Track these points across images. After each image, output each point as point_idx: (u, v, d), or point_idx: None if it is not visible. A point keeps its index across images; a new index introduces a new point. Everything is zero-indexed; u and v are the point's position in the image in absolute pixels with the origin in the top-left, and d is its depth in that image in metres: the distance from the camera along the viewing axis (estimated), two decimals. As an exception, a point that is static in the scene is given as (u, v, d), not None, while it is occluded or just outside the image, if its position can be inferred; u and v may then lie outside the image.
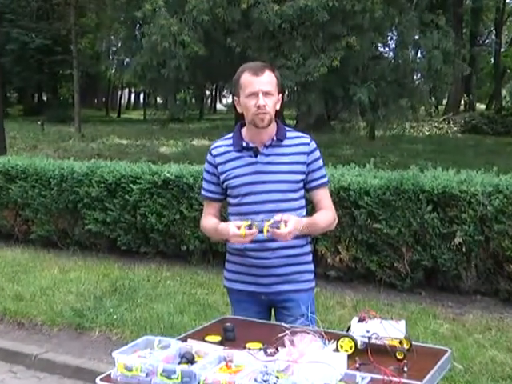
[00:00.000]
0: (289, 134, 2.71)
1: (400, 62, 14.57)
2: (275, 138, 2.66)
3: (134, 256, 6.93)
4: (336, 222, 2.79)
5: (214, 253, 6.51)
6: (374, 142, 19.48)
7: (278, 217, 2.46)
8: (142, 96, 50.18)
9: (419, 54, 16.46)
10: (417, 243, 5.52)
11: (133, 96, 60.39)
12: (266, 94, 2.56)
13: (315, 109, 14.16)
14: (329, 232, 5.46)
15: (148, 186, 6.62)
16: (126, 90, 56.37)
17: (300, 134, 2.75)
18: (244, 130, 2.71)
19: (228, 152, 2.69)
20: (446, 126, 25.54)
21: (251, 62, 2.82)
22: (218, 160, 2.70)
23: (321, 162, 2.73)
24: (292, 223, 2.45)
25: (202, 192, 2.84)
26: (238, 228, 2.46)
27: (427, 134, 24.24)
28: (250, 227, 2.45)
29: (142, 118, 39.21)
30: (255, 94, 2.55)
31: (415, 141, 20.61)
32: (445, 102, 35.22)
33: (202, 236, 6.31)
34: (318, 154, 2.72)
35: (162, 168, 6.80)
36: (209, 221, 2.78)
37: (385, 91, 13.94)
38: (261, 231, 2.45)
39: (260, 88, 2.55)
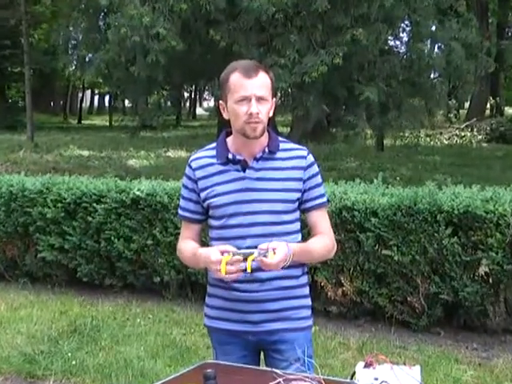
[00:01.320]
0: (283, 146, 2.72)
1: (413, 58, 14.65)
2: (267, 150, 2.68)
3: (97, 289, 6.91)
4: (335, 249, 2.80)
5: (192, 285, 6.51)
6: (383, 153, 19.58)
7: (263, 245, 2.46)
8: (107, 99, 50.22)
9: (436, 48, 16.60)
10: (434, 273, 5.54)
11: (96, 98, 60.54)
12: (260, 99, 2.57)
13: (313, 114, 14.17)
14: (329, 260, 5.48)
15: (114, 205, 6.62)
16: (88, 92, 56.44)
17: (296, 145, 2.77)
18: (230, 140, 2.72)
19: (211, 165, 2.70)
20: (468, 134, 25.70)
21: (239, 58, 2.84)
22: (199, 174, 2.71)
23: (319, 179, 2.76)
24: (282, 251, 2.46)
25: (180, 212, 2.84)
26: (222, 253, 2.46)
27: (446, 143, 24.39)
28: (232, 263, 2.44)
29: (107, 124, 39.22)
30: (247, 100, 2.56)
31: (432, 151, 20.71)
32: (467, 105, 35.46)
33: (178, 265, 6.31)
34: (316, 169, 2.74)
35: (131, 184, 6.81)
36: (187, 245, 2.79)
37: (395, 92, 14.00)
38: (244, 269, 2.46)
39: (253, 92, 2.55)
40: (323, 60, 12.45)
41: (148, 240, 6.52)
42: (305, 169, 2.69)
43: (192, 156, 2.79)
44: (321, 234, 2.73)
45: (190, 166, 2.75)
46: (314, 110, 13.74)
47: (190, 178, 2.76)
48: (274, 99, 2.71)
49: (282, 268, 2.51)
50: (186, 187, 2.79)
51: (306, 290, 2.80)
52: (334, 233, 2.82)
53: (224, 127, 2.79)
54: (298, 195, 2.68)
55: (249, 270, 2.44)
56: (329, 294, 5.89)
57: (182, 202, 2.83)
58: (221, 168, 2.69)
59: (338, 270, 5.84)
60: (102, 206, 6.66)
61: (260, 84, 2.58)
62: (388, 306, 5.74)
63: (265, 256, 2.44)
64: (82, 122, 44.01)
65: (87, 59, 18.93)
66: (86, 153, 20.91)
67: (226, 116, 2.67)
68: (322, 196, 2.76)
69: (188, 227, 2.83)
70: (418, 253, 5.51)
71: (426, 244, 5.48)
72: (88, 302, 6.57)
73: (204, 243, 2.80)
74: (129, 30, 12.90)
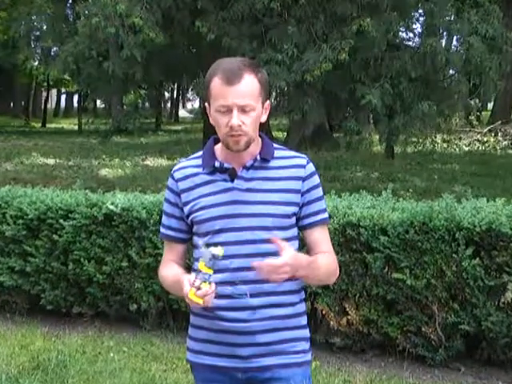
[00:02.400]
0: (278, 153, 2.74)
1: (427, 53, 14.70)
2: (259, 158, 2.69)
3: (63, 319, 6.90)
4: (337, 274, 2.81)
5: (174, 314, 6.50)
6: (394, 162, 19.59)
7: (256, 263, 2.47)
8: (75, 99, 50.21)
9: (453, 42, 16.68)
10: (453, 300, 5.55)
11: (63, 98, 60.52)
12: (244, 109, 2.57)
13: (313, 117, 14.23)
14: (332, 285, 5.48)
15: (84, 222, 6.61)
16: (54, 91, 56.42)
17: (293, 153, 2.79)
18: (218, 147, 2.74)
19: (195, 175, 2.72)
20: (492, 140, 25.76)
21: (229, 53, 2.85)
22: (182, 185, 2.73)
23: (320, 192, 2.77)
24: (290, 253, 2.45)
25: (162, 230, 2.85)
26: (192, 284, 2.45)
27: (466, 149, 24.44)
28: (198, 287, 2.43)
29: (76, 128, 39.19)
30: (228, 109, 2.56)
31: (450, 159, 20.76)
32: (490, 106, 35.59)
33: (158, 290, 6.30)
34: (316, 180, 2.76)
35: (104, 198, 6.81)
36: (169, 270, 2.78)
37: (406, 92, 14.03)
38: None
39: (234, 101, 2.55)
40: (327, 56, 12.43)
41: (123, 262, 6.51)
42: (303, 179, 2.70)
43: (175, 166, 2.81)
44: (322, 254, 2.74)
45: (173, 177, 2.76)
46: (313, 113, 13.74)
47: (172, 191, 2.77)
48: (268, 102, 2.71)
49: (285, 280, 2.50)
50: (168, 201, 2.80)
51: (304, 320, 2.80)
52: (337, 253, 2.84)
53: (211, 132, 2.81)
54: (294, 209, 2.69)
55: (201, 269, 2.43)
56: (331, 323, 5.89)
57: (164, 219, 2.84)
58: (207, 178, 2.70)
59: (341, 295, 5.85)
60: (70, 222, 6.64)
61: (243, 91, 2.56)
62: (400, 337, 5.74)
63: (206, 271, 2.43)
64: (47, 125, 43.98)
65: (52, 52, 18.97)
66: (51, 161, 20.86)
67: (211, 121, 2.68)
68: (322, 211, 2.77)
69: (171, 248, 2.83)
70: (434, 276, 5.52)
71: (444, 266, 5.49)
72: (53, 334, 6.54)
73: (190, 267, 2.79)
74: (102, 20, 12.91)
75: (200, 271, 2.44)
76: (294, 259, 2.46)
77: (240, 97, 2.55)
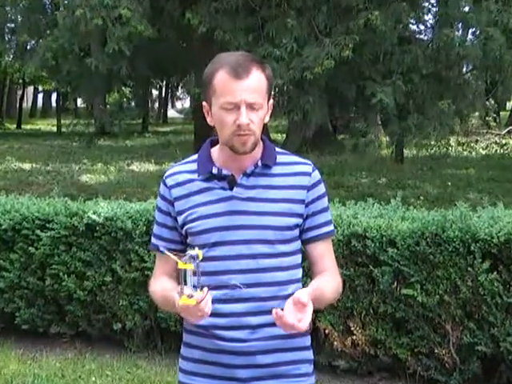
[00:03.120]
0: (281, 159, 2.74)
1: (440, 47, 14.68)
2: (260, 164, 2.69)
3: (40, 339, 6.88)
4: (341, 291, 2.82)
5: (163, 333, 6.50)
6: (403, 166, 19.61)
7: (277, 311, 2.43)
8: (54, 97, 50.21)
9: (469, 35, 16.67)
10: (468, 318, 5.56)
11: (40, 97, 60.46)
12: (252, 106, 2.57)
13: (315, 117, 14.20)
14: (336, 302, 5.48)
15: (64, 233, 6.61)
16: (31, 89, 56.39)
17: (298, 158, 2.79)
18: (216, 150, 2.74)
19: (190, 181, 2.72)
20: (511, 142, 25.83)
21: (222, 48, 2.86)
22: (176, 193, 2.73)
23: (326, 202, 2.78)
24: (306, 295, 2.44)
25: (153, 241, 2.85)
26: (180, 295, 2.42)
27: (483, 153, 24.45)
28: (191, 295, 2.39)
29: (54, 130, 39.18)
30: (235, 107, 2.55)
31: (464, 164, 20.78)
32: (509, 106, 35.67)
33: (144, 308, 6.30)
34: (322, 189, 2.76)
35: (86, 206, 6.81)
36: (159, 284, 2.77)
37: (418, 89, 14.01)
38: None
39: (243, 98, 2.54)
40: (329, 52, 12.40)
41: (106, 276, 6.50)
42: (309, 188, 2.71)
43: (168, 171, 2.80)
44: (326, 270, 2.74)
45: (165, 184, 2.76)
46: (314, 113, 13.70)
47: (164, 199, 2.77)
48: (272, 101, 2.71)
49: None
50: (159, 210, 2.80)
51: (308, 341, 2.80)
52: (341, 267, 2.86)
53: (203, 134, 2.81)
54: (297, 221, 2.69)
55: (180, 267, 2.40)
56: (335, 344, 5.89)
57: (155, 229, 2.84)
58: (203, 185, 2.70)
59: (346, 313, 5.85)
60: (48, 233, 6.64)
61: (253, 87, 2.56)
62: (410, 359, 5.74)
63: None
64: (23, 126, 43.88)
65: (29, 47, 18.96)
66: (27, 166, 20.85)
67: (210, 122, 2.68)
68: (328, 223, 2.78)
69: (163, 261, 2.79)
70: (448, 292, 5.53)
71: (458, 281, 5.49)
72: (29, 356, 6.52)
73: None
74: (88, 12, 12.88)
75: (183, 272, 2.41)
76: (304, 313, 2.43)
77: (249, 93, 2.55)
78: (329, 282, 2.70)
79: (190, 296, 2.39)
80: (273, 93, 2.77)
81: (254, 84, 2.57)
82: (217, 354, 2.69)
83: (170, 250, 2.69)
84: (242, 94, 2.54)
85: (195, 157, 2.77)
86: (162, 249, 2.60)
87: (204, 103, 2.69)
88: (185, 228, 2.71)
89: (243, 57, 2.64)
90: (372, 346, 5.85)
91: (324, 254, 2.76)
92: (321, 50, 12.47)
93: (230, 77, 2.55)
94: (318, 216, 2.73)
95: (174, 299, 2.50)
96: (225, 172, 2.67)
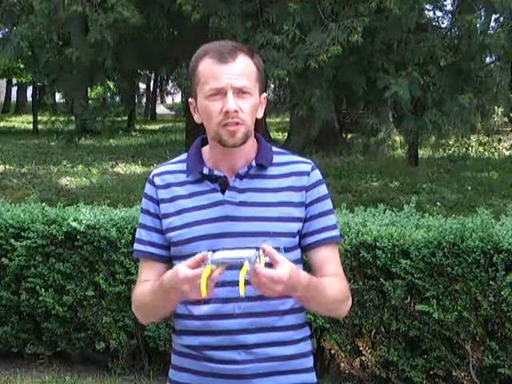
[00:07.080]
0: (278, 159, 2.74)
1: (460, 35, 14.63)
2: (254, 164, 2.69)
3: (15, 360, 6.88)
4: (350, 304, 2.78)
5: (151, 353, 6.50)
6: (418, 169, 19.62)
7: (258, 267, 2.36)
8: (29, 92, 50.19)
9: (492, 22, 16.64)
10: (490, 337, 5.56)
11: (14, 91, 60.44)
12: (240, 92, 2.58)
13: (320, 113, 14.17)
14: (342, 318, 5.48)
15: (41, 242, 6.60)
16: (3, 82, 56.40)
17: (296, 157, 2.79)
18: (206, 150, 2.75)
19: (179, 183, 2.73)
20: (538, 142, 25.87)
21: (217, 36, 2.86)
22: (163, 194, 2.73)
23: (327, 204, 2.77)
24: (287, 266, 2.37)
25: (139, 247, 2.81)
26: (192, 268, 2.37)
27: (507, 154, 24.49)
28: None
29: (30, 127, 39.18)
30: (221, 93, 2.57)
31: (486, 166, 20.77)
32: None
33: (130, 325, 6.29)
34: (323, 190, 2.76)
35: (65, 213, 6.80)
36: (144, 287, 2.73)
37: (435, 82, 13.96)
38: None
39: (229, 82, 2.56)
40: (335, 37, 12.30)
41: (88, 291, 6.49)
42: (307, 189, 2.71)
43: (154, 170, 2.81)
44: (328, 275, 2.69)
45: (153, 183, 2.76)
46: (321, 108, 13.65)
47: (151, 199, 2.77)
48: (265, 94, 2.71)
49: (277, 297, 2.45)
50: (146, 212, 2.79)
51: (310, 362, 2.79)
52: (349, 280, 2.84)
53: (195, 132, 2.81)
54: (298, 226, 2.69)
55: (242, 293, 2.34)
56: (342, 365, 5.90)
57: (141, 233, 2.80)
58: (192, 188, 2.70)
59: (354, 331, 5.85)
60: (23, 242, 6.63)
61: (239, 71, 2.58)
62: (425, 382, 5.74)
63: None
64: (-4, 124, 43.99)
65: (1, 35, 18.98)
66: (-1, 168, 20.89)
67: (197, 119, 2.69)
68: (331, 228, 2.76)
69: (150, 267, 2.77)
70: (467, 308, 5.52)
71: (479, 296, 5.49)
72: (1, 380, 6.51)
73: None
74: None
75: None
76: (290, 275, 2.38)
77: (236, 77, 2.56)
78: (332, 282, 2.66)
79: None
80: (272, 86, 2.77)
81: (242, 68, 2.59)
82: (207, 377, 2.67)
83: (160, 256, 2.70)
84: (228, 78, 2.56)
85: (184, 156, 2.78)
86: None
87: (190, 99, 2.70)
88: (169, 235, 2.70)
89: (229, 43, 2.68)
90: (383, 367, 5.85)
91: (326, 259, 2.73)
92: (326, 35, 12.35)
93: (214, 61, 2.58)
94: (319, 220, 2.72)
95: (166, 280, 2.48)
96: (216, 173, 2.67)
